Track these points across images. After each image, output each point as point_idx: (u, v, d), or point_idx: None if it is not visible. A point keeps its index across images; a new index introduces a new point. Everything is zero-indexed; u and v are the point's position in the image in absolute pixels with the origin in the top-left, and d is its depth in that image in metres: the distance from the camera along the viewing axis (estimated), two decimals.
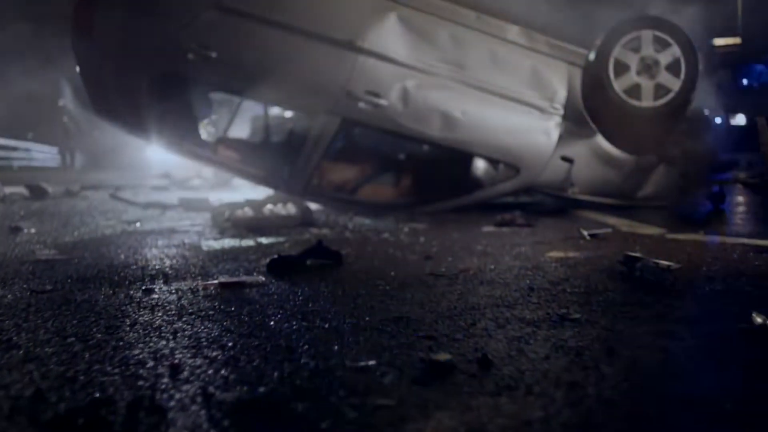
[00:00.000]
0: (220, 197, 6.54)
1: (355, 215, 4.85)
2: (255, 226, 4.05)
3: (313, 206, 5.02)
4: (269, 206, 4.19)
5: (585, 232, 3.55)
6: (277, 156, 5.01)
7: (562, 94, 4.77)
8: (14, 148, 19.39)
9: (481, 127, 4.71)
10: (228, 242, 3.60)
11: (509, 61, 4.76)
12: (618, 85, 4.76)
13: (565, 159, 4.81)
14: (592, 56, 4.79)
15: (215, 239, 3.72)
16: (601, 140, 4.83)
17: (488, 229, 4.01)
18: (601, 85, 4.77)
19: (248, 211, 4.14)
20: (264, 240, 3.66)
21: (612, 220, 4.41)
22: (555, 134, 4.76)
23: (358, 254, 3.10)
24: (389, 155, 5.25)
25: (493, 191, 4.86)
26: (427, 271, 2.63)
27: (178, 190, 9.00)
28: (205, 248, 3.41)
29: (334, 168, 5.04)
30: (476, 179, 4.74)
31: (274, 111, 5.62)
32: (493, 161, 4.77)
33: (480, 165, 4.72)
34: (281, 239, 3.68)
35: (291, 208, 4.18)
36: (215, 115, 6.20)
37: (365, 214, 4.85)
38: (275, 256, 2.73)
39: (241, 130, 6.02)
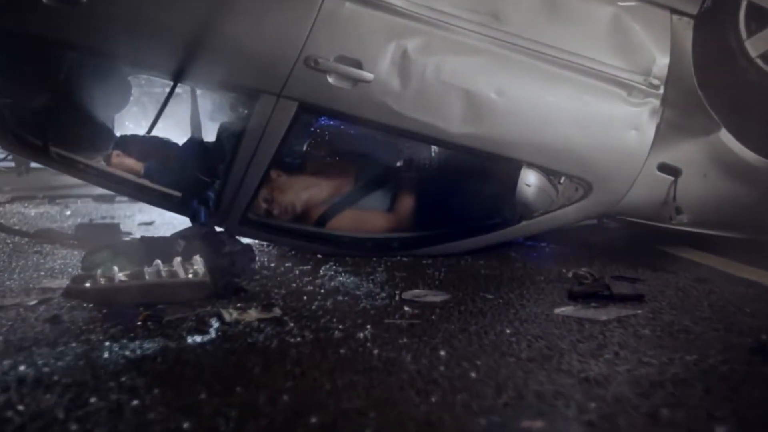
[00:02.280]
0: (149, 222, 4.49)
1: (322, 257, 2.83)
2: (126, 301, 2.02)
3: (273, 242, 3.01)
4: (157, 264, 2.15)
5: None
6: (201, 167, 2.96)
7: (662, 62, 2.71)
8: None
9: (529, 116, 2.66)
10: (43, 357, 1.57)
11: (576, 8, 2.71)
12: (753, 47, 2.72)
13: (665, 169, 2.77)
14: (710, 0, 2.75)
15: (20, 347, 1.69)
16: (724, 137, 2.77)
17: (564, 310, 1.96)
18: (725, 47, 2.74)
19: (116, 277, 2.09)
20: (114, 350, 1.64)
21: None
22: (650, 129, 2.70)
23: None
24: (378, 164, 3.20)
25: (548, 221, 2.81)
26: None
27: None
28: None
29: (289, 184, 2.99)
30: (522, 202, 2.69)
31: (210, 97, 3.58)
32: (549, 173, 2.72)
33: (529, 179, 2.67)
34: (152, 346, 1.66)
35: (198, 267, 2.14)
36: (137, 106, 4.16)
37: (340, 256, 2.83)
38: None
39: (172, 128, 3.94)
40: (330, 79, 2.55)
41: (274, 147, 2.69)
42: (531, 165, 2.68)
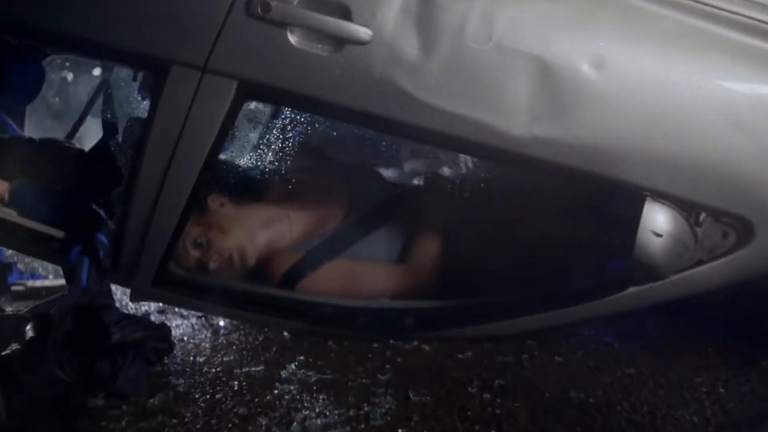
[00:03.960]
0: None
1: (290, 337, 1.64)
2: None
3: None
4: None
5: None
6: (101, 191, 1.78)
7: None
8: None
9: (649, 107, 1.44)
10: None
11: None
12: None
13: None
14: None
15: None
16: None
17: None
18: None
19: None
20: None
21: None
22: None
23: None
24: (382, 184, 2.00)
25: (671, 287, 1.58)
26: None
27: None
28: None
29: (236, 218, 1.79)
30: (646, 262, 1.47)
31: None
32: (681, 206, 1.51)
33: (658, 222, 1.47)
34: None
35: None
36: (58, 98, 2.98)
37: (319, 336, 1.65)
38: None
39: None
40: (292, 39, 1.35)
41: (203, 156, 1.49)
42: (652, 193, 1.46)
